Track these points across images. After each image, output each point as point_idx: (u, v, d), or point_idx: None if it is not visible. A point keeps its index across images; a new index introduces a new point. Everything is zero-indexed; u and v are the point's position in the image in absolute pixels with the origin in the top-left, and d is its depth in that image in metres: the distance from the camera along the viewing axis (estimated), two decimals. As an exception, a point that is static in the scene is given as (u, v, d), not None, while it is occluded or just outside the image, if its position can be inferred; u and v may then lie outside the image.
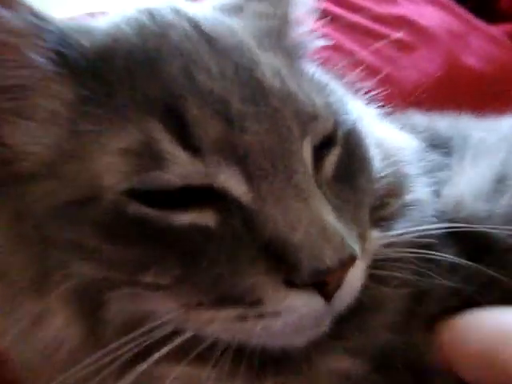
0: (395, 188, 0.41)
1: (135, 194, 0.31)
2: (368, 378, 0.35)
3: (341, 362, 0.35)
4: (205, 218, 0.32)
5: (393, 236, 0.37)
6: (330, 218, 0.32)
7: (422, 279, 0.36)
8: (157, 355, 0.31)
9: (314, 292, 0.31)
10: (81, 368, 0.31)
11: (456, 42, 0.83)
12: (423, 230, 0.37)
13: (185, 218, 0.31)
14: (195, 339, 0.32)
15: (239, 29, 0.37)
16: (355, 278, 0.33)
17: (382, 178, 0.40)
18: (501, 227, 0.39)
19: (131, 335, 0.31)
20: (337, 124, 0.37)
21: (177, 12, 0.37)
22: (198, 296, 0.31)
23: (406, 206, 0.40)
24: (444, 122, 0.51)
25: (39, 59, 0.32)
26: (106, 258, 0.32)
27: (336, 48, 0.59)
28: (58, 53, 0.33)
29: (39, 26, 0.33)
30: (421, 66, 0.77)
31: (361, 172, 0.38)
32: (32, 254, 0.33)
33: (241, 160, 0.32)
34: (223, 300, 0.31)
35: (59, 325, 0.33)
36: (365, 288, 0.35)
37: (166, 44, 0.34)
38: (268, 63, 0.35)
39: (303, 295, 0.31)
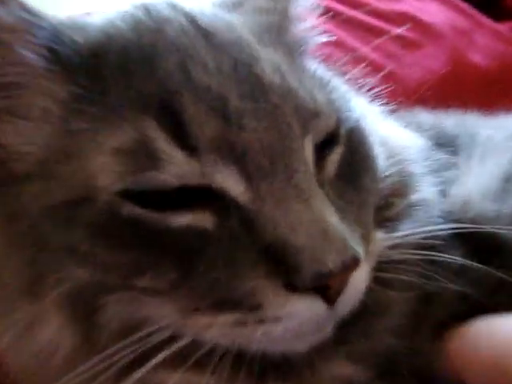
0: (400, 187, 0.40)
1: (130, 195, 0.31)
2: None
3: (344, 368, 0.35)
4: (202, 219, 0.31)
5: (398, 237, 0.37)
6: (332, 219, 0.31)
7: (429, 282, 0.36)
8: (154, 361, 0.31)
9: (316, 296, 0.31)
10: (76, 374, 0.31)
11: (461, 39, 0.83)
12: (429, 231, 0.37)
13: (181, 220, 0.31)
14: (193, 345, 0.31)
15: (238, 24, 0.37)
16: (359, 281, 0.33)
17: (387, 177, 0.40)
18: (509, 227, 0.38)
19: (128, 340, 0.31)
20: (339, 121, 0.37)
21: (173, 7, 0.36)
22: (195, 300, 0.31)
23: (411, 206, 0.40)
24: (450, 120, 0.51)
25: (31, 56, 0.32)
26: (100, 262, 0.31)
27: (338, 44, 0.59)
28: (51, 49, 0.33)
29: (31, 21, 0.32)
30: (425, 63, 0.77)
31: (365, 171, 0.38)
32: (26, 256, 0.32)
33: (239, 159, 0.31)
34: (222, 304, 0.31)
35: (54, 330, 0.33)
36: (369, 291, 0.34)
37: (161, 39, 0.34)
38: (268, 59, 0.35)
39: (305, 300, 0.30)
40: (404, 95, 0.48)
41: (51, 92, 0.33)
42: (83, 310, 0.32)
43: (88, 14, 0.45)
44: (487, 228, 0.38)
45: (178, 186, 0.31)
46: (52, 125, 0.33)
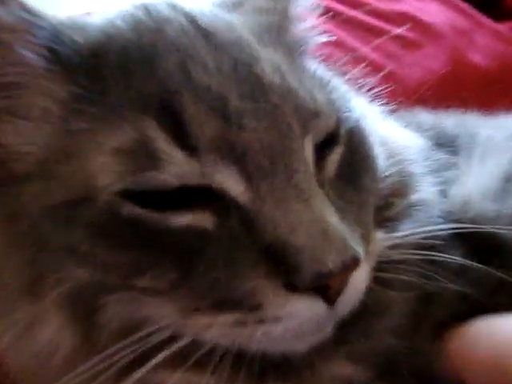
0: (400, 187, 0.40)
1: (130, 195, 0.31)
2: None
3: (344, 368, 0.35)
4: (202, 219, 0.31)
5: (398, 237, 0.37)
6: (332, 219, 0.31)
7: (429, 282, 0.36)
8: (154, 361, 0.31)
9: (316, 296, 0.30)
10: (76, 374, 0.31)
11: (461, 39, 0.82)
12: (429, 231, 0.37)
13: (181, 220, 0.31)
14: (193, 345, 0.31)
15: (238, 24, 0.36)
16: (359, 281, 0.33)
17: (387, 177, 0.40)
18: (509, 227, 0.38)
19: (128, 340, 0.31)
20: (339, 121, 0.37)
21: (173, 7, 0.36)
22: (195, 300, 0.31)
23: (411, 206, 0.40)
24: (450, 120, 0.50)
25: (31, 56, 0.32)
26: (99, 262, 0.31)
27: (338, 44, 0.58)
28: (51, 49, 0.32)
29: (31, 21, 0.32)
30: (425, 63, 0.77)
31: (365, 171, 0.38)
32: (26, 256, 0.32)
33: (239, 159, 0.31)
34: (222, 304, 0.31)
35: (54, 330, 0.33)
36: (369, 291, 0.34)
37: (161, 39, 0.33)
38: (268, 59, 0.35)
39: (305, 300, 0.30)
40: (404, 95, 0.47)
41: (51, 92, 0.32)
42: (83, 309, 0.32)
43: (88, 13, 0.45)
44: (487, 228, 0.38)
45: (177, 186, 0.31)
46: (52, 125, 0.33)
